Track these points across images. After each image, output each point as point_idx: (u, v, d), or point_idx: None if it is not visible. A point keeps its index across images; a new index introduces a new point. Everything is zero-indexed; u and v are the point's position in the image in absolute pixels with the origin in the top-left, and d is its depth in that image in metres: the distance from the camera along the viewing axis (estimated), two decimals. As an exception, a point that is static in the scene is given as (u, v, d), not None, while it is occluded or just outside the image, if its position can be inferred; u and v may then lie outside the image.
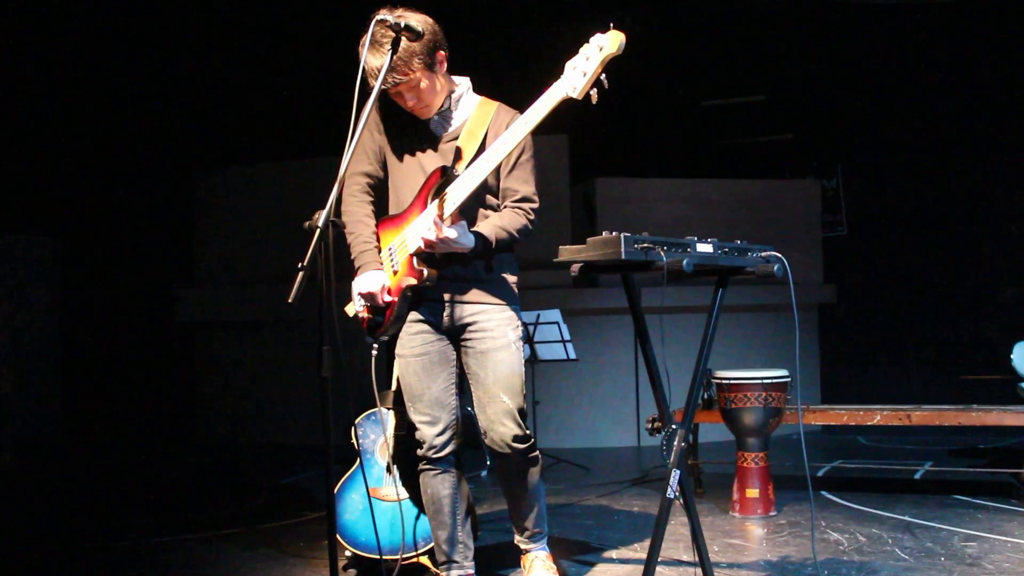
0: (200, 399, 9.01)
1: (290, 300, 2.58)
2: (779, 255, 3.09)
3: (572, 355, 6.16)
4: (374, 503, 3.89)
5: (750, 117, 9.59)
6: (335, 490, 3.87)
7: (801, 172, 9.25)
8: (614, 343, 7.77)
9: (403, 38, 2.94)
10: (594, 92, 2.78)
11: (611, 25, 2.79)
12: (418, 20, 3.03)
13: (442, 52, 3.16)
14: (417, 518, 3.81)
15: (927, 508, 4.95)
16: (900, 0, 8.10)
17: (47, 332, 8.98)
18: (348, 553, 3.94)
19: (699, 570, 3.21)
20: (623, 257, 2.83)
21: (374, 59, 3.00)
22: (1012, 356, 5.81)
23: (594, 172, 8.25)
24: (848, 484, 5.80)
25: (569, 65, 2.81)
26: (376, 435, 4.03)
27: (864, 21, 8.41)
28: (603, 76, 2.77)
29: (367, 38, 2.95)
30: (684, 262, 2.89)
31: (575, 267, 3.08)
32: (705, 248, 3.01)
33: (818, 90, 9.02)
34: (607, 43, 2.74)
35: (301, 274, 2.62)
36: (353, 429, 3.95)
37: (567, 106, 2.87)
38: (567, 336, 6.10)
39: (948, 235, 8.39)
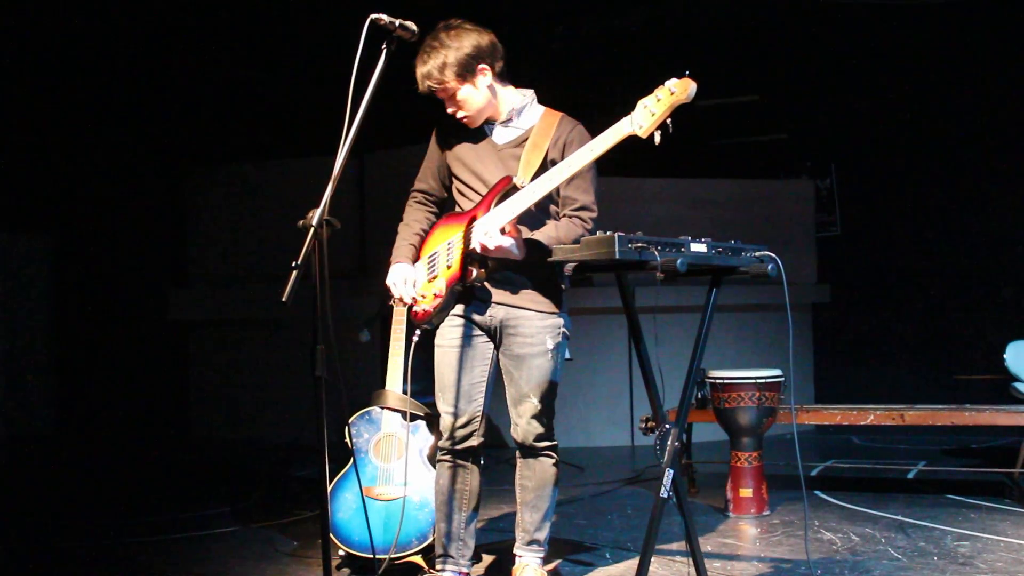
0: (193, 398, 9.00)
1: (284, 299, 2.58)
2: (773, 255, 3.09)
3: (566, 354, 6.15)
4: (368, 502, 3.89)
5: (744, 117, 9.59)
6: (328, 489, 3.87)
7: (795, 172, 9.25)
8: (608, 343, 7.77)
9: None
10: (658, 134, 2.86)
11: (687, 73, 2.83)
12: (468, 31, 3.26)
13: (484, 65, 3.28)
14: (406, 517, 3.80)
15: (920, 507, 4.96)
16: (894, 1, 8.10)
17: (40, 330, 8.97)
18: (341, 552, 3.94)
19: (693, 569, 3.21)
20: (617, 257, 2.84)
21: (419, 66, 3.26)
22: (1005, 356, 5.83)
23: (598, 173, 8.23)
24: (841, 484, 5.82)
25: (641, 103, 2.88)
26: (370, 434, 4.03)
27: (858, 21, 8.42)
28: (669, 120, 2.84)
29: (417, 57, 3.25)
30: (678, 262, 2.89)
31: (569, 267, 3.09)
32: (699, 248, 3.02)
33: (812, 90, 9.03)
34: (679, 89, 2.82)
35: (295, 273, 2.62)
36: (347, 428, 3.95)
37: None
38: (561, 335, 6.08)
39: (942, 235, 8.40)
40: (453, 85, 3.25)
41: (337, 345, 2.72)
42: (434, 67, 3.22)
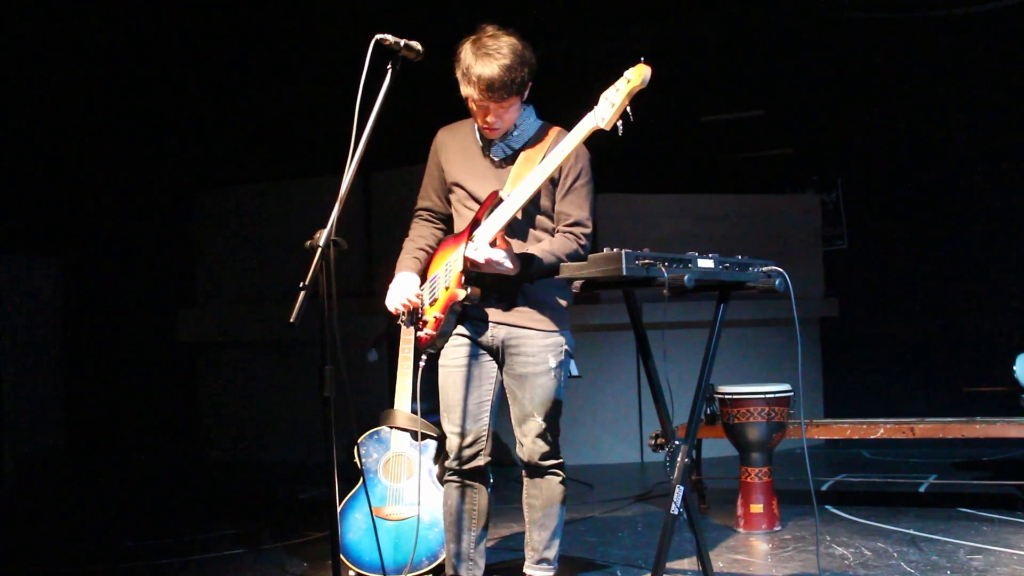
0: (202, 419, 9.00)
1: (292, 319, 2.59)
2: (780, 269, 3.09)
3: (574, 372, 6.13)
4: (377, 522, 3.88)
5: (750, 132, 9.60)
6: (338, 510, 3.87)
7: (801, 186, 9.26)
8: (616, 359, 7.76)
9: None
10: (620, 124, 2.89)
11: (641, 59, 2.84)
12: (524, 42, 3.18)
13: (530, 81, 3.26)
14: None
15: (932, 521, 4.94)
16: (898, 15, 8.12)
17: (50, 352, 8.99)
18: (352, 573, 3.93)
19: (704, 586, 3.20)
20: (624, 273, 2.84)
21: (483, 68, 3.12)
22: (1015, 368, 5.80)
23: (594, 189, 8.25)
24: (852, 498, 5.79)
25: (602, 96, 2.91)
26: (379, 454, 4.03)
27: (863, 35, 8.43)
28: (628, 109, 2.86)
29: (472, 50, 3.13)
30: (685, 277, 2.89)
31: (577, 284, 3.09)
32: (706, 263, 3.02)
33: (817, 104, 9.04)
34: (633, 76, 2.85)
35: (303, 293, 2.63)
36: (356, 448, 3.96)
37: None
38: (569, 352, 6.08)
39: (949, 247, 8.39)
40: (512, 100, 3.21)
41: (345, 365, 2.72)
42: (508, 79, 3.13)
